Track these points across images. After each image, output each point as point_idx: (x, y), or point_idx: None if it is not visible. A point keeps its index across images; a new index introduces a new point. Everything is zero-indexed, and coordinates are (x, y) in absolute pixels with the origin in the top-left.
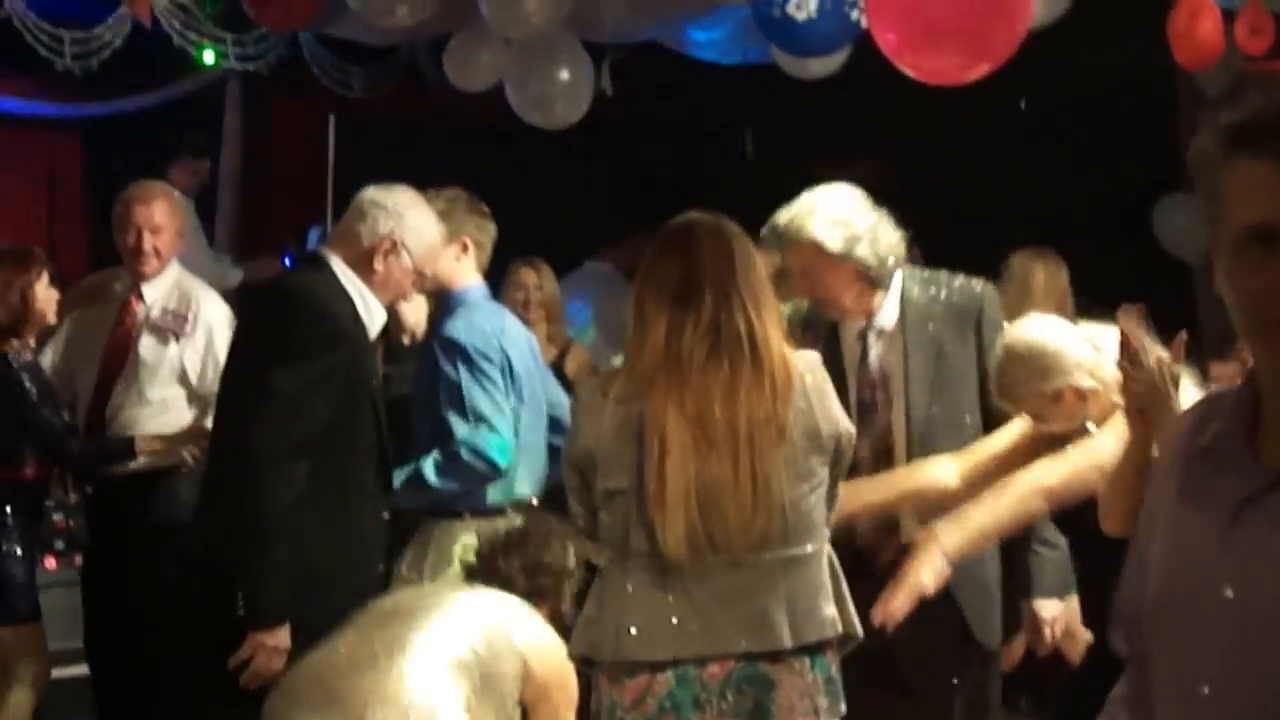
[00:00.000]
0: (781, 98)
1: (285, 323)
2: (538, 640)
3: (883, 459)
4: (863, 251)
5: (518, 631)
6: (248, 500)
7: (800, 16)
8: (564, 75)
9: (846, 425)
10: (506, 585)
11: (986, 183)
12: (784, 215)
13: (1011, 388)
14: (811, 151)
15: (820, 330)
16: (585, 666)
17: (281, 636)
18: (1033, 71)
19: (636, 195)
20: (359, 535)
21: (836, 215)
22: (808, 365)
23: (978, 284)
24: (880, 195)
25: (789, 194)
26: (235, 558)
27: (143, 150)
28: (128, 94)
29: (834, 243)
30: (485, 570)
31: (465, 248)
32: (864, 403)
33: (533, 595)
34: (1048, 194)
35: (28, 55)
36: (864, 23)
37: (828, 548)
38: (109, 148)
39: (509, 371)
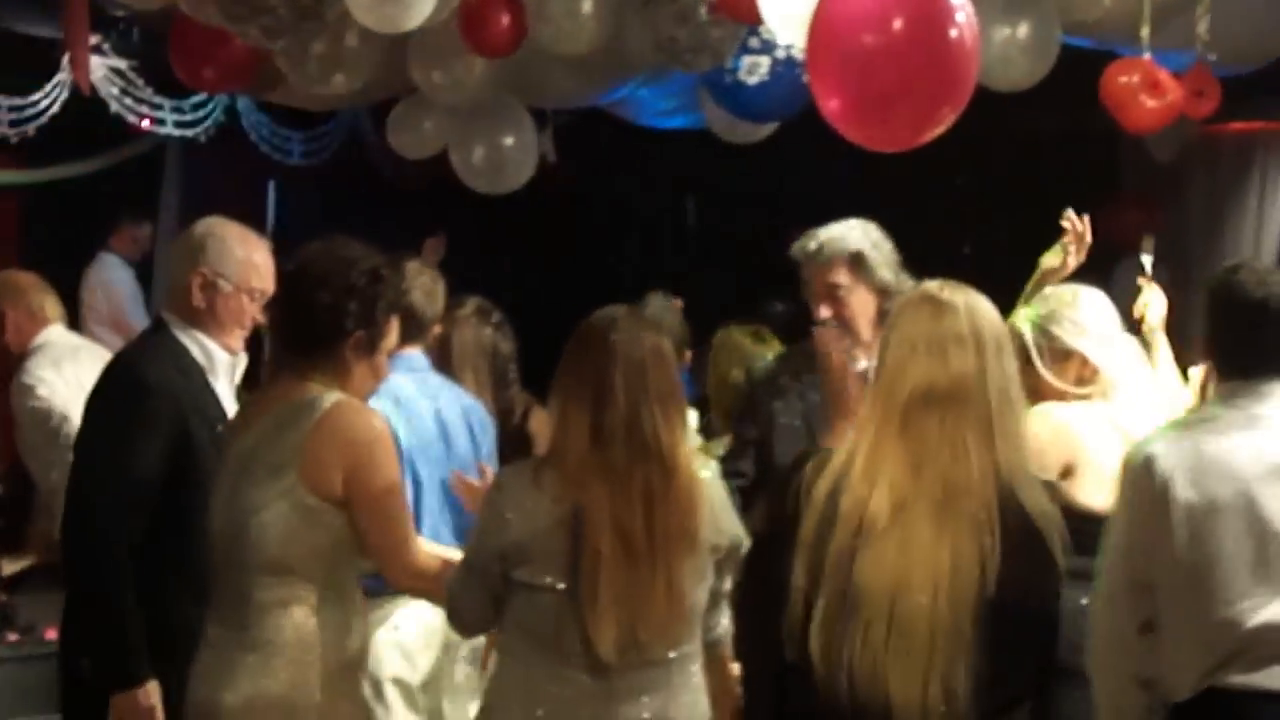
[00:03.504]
0: (723, 163)
1: (101, 388)
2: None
3: None
4: (890, 276)
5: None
6: (84, 560)
7: (752, 79)
8: (508, 141)
9: (741, 533)
10: None
11: (927, 247)
12: (825, 230)
13: None
14: (753, 219)
15: (809, 375)
16: None
17: (148, 694)
18: (976, 135)
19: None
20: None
21: (874, 237)
22: (710, 476)
23: None
24: None
25: (728, 255)
26: (83, 620)
27: (82, 216)
28: (66, 160)
29: (873, 258)
30: None
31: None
32: None
33: None
34: (988, 260)
35: None
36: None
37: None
38: (48, 214)
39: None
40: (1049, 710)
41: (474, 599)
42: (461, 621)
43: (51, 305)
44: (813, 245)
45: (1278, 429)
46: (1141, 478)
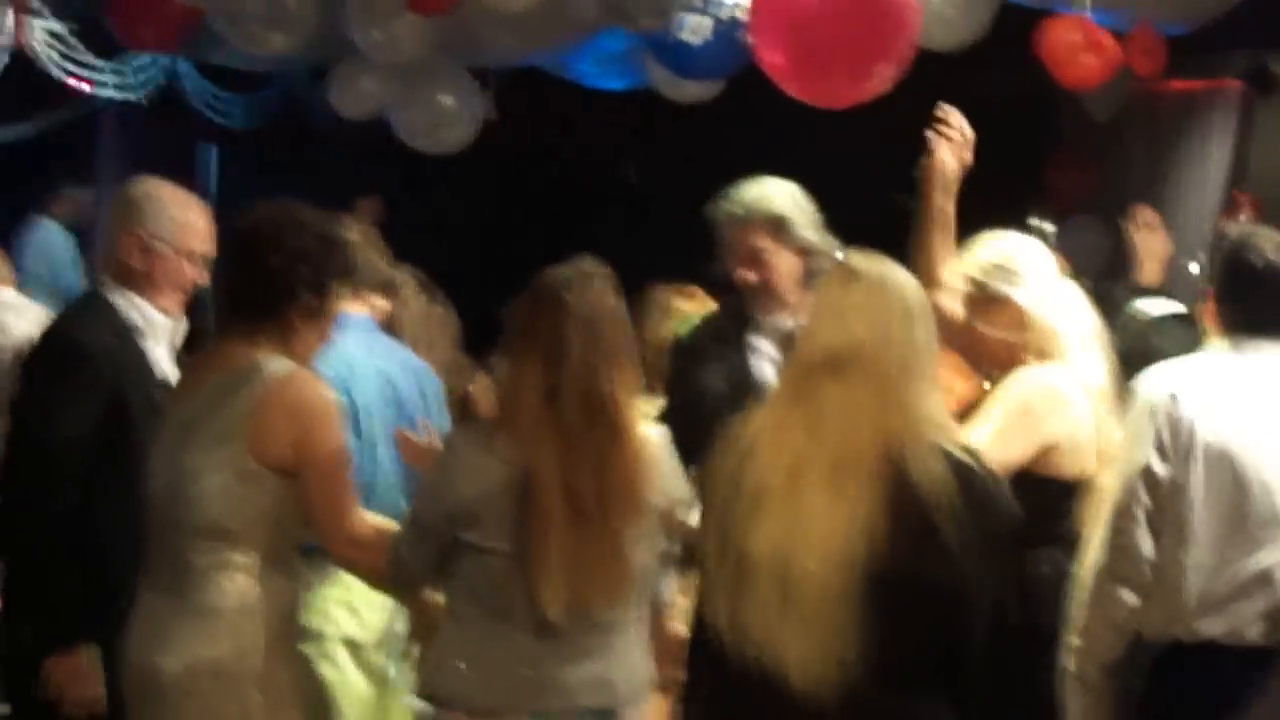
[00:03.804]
0: (665, 124)
1: (37, 353)
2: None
3: None
4: (813, 236)
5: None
6: (20, 524)
7: (694, 38)
8: (448, 101)
9: (687, 495)
10: None
11: (870, 208)
12: (746, 190)
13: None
14: (694, 179)
15: (731, 337)
16: (434, 704)
17: (85, 657)
18: (917, 96)
19: (524, 222)
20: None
21: (796, 198)
22: (658, 440)
23: None
24: None
25: (671, 216)
26: (20, 585)
27: (18, 181)
28: (3, 124)
29: (795, 220)
30: None
31: None
32: None
33: None
34: None
35: None
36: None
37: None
38: None
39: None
40: (1018, 681)
41: (419, 557)
42: (404, 577)
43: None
44: (733, 207)
45: (1275, 388)
46: (1168, 413)
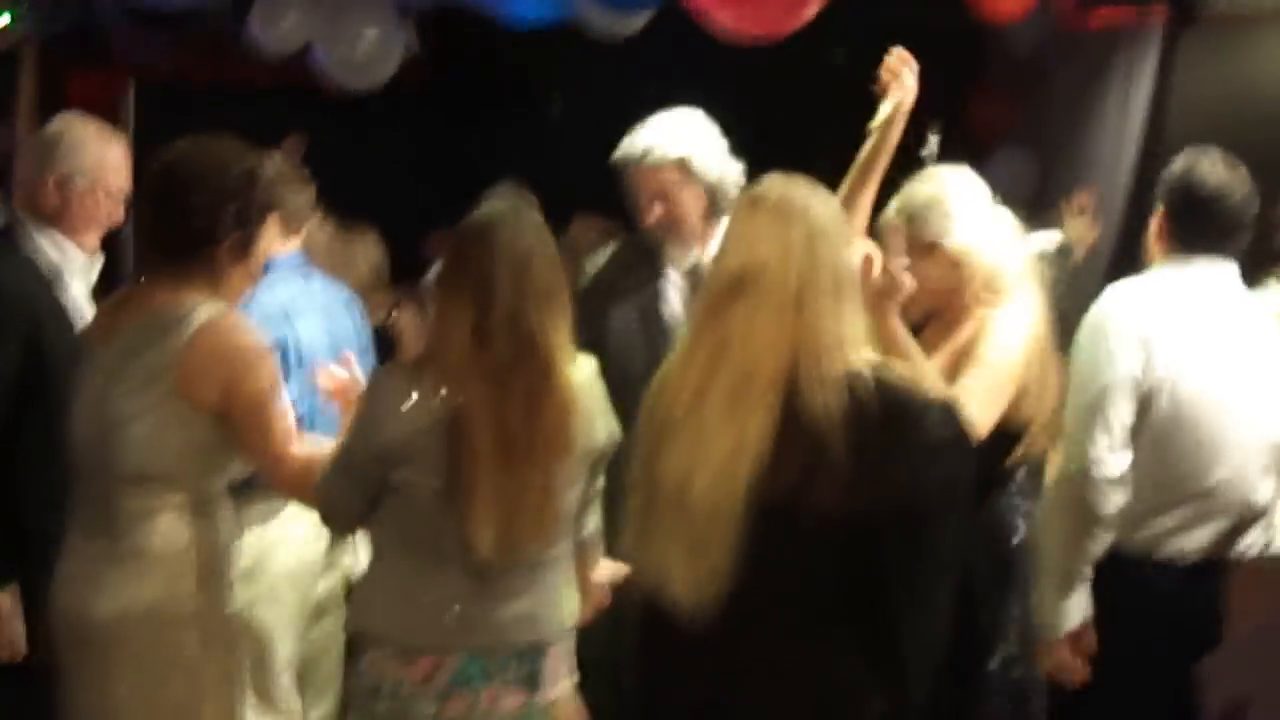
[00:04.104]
0: (589, 58)
1: None
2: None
3: None
4: (717, 171)
5: None
6: None
7: None
8: (371, 34)
9: (613, 432)
10: None
11: (792, 141)
12: (645, 134)
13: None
14: (619, 114)
15: (639, 272)
16: (361, 641)
17: (4, 599)
18: (838, 30)
19: (450, 158)
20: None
21: (694, 133)
22: (588, 375)
23: None
24: None
25: (595, 152)
26: None
27: None
28: None
29: (699, 158)
30: None
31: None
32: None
33: None
34: (848, 151)
35: None
36: None
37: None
38: None
39: (288, 350)
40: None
41: (347, 500)
42: (334, 522)
43: None
44: (638, 149)
45: (1218, 305)
46: (1130, 329)
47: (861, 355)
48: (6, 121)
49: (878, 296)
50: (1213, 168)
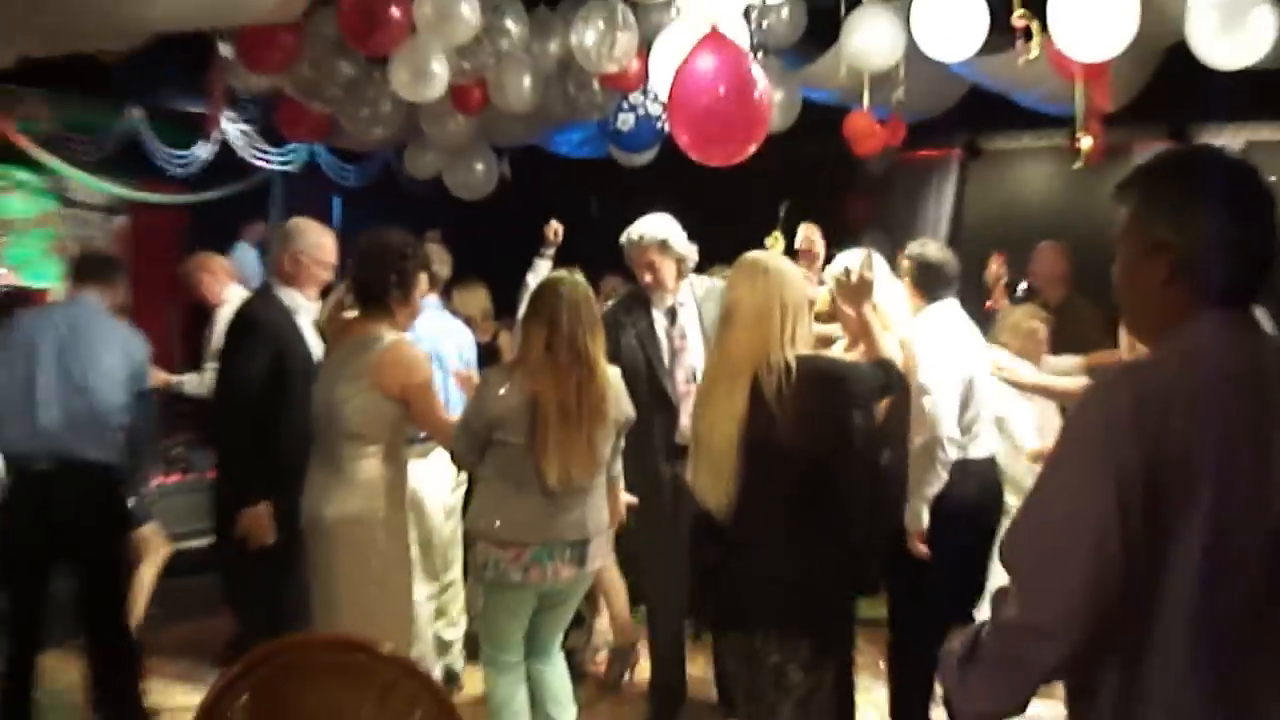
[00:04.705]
0: (617, 177)
1: (232, 324)
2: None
3: (690, 379)
4: (683, 249)
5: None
6: (224, 428)
7: (625, 128)
8: (479, 167)
9: (630, 411)
10: None
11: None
12: (639, 227)
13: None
14: (636, 212)
15: (637, 312)
16: (473, 534)
17: (264, 510)
18: (767, 159)
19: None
20: (302, 445)
21: (670, 227)
22: (615, 375)
23: (719, 281)
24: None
25: (617, 236)
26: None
27: (221, 222)
28: (213, 188)
29: (672, 241)
30: None
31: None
32: (674, 349)
33: None
34: (763, 231)
35: (155, 167)
36: (666, 129)
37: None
38: (203, 220)
39: (434, 358)
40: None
41: (467, 449)
42: (460, 461)
43: (226, 271)
44: (635, 236)
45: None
46: (947, 340)
47: (798, 351)
48: (265, 221)
49: (854, 295)
50: (933, 250)
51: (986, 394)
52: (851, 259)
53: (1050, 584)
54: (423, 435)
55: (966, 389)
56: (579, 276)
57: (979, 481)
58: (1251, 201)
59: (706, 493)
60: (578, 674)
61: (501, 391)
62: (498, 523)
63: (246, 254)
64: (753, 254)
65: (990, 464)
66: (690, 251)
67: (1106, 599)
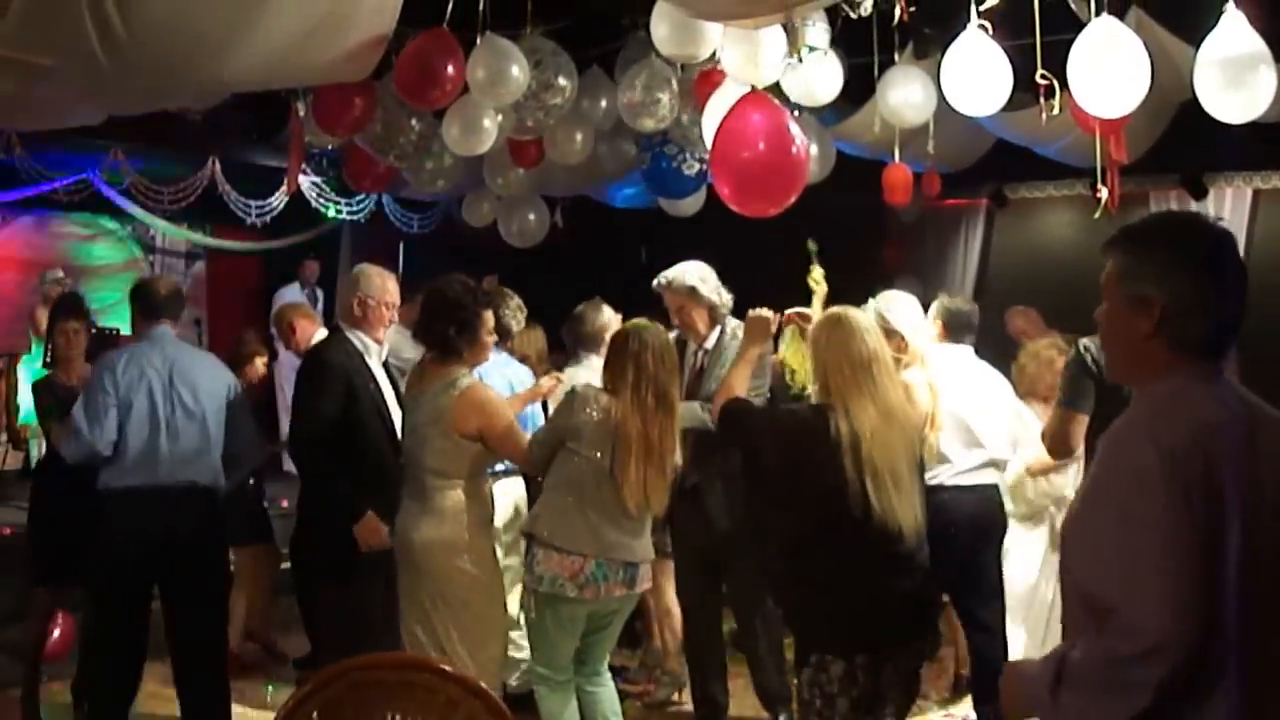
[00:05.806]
0: (665, 227)
1: (304, 365)
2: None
3: (708, 402)
4: (714, 297)
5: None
6: (302, 463)
7: (690, 172)
8: (532, 216)
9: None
10: None
11: (777, 274)
12: (670, 273)
13: None
14: (682, 257)
15: (679, 348)
16: (535, 538)
17: (373, 519)
18: (806, 209)
19: (579, 285)
20: (375, 475)
21: (701, 274)
22: (682, 410)
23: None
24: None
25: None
26: (308, 494)
27: (291, 267)
28: (287, 235)
29: (701, 288)
30: None
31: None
32: (698, 377)
33: None
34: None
35: (233, 215)
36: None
37: None
38: (278, 265)
39: (505, 388)
40: None
41: (539, 458)
42: (533, 469)
43: (314, 317)
44: (665, 281)
45: (969, 361)
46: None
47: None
48: (322, 263)
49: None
50: (960, 303)
51: (985, 431)
52: (884, 304)
53: (1152, 602)
54: (500, 467)
55: (959, 424)
56: (657, 324)
57: (976, 499)
58: (1232, 268)
59: (904, 518)
60: (623, 694)
61: (587, 409)
62: (556, 530)
63: (294, 293)
64: (838, 308)
65: (991, 488)
66: (722, 299)
67: (1208, 603)
